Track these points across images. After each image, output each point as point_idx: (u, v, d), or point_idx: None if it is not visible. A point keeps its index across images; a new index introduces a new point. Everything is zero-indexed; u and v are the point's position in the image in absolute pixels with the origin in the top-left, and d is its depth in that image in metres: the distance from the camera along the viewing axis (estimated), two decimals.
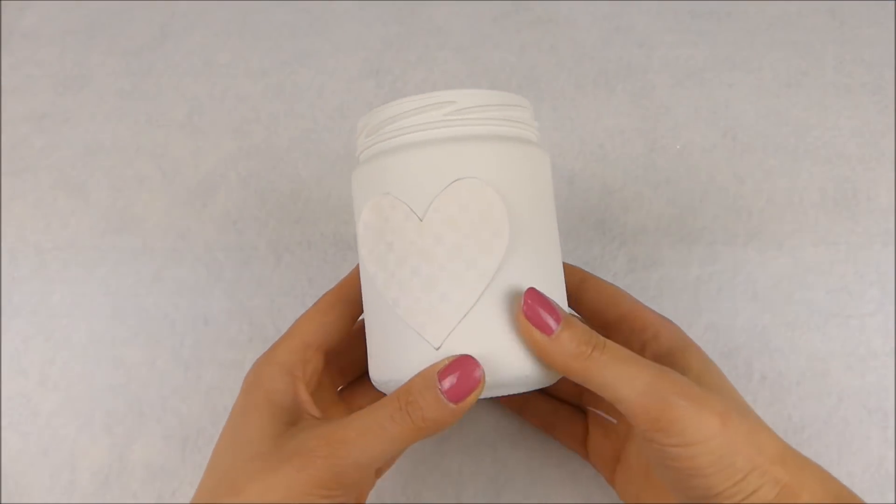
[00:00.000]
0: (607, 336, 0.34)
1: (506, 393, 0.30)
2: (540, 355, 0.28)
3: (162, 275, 0.44)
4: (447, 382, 0.27)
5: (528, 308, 0.27)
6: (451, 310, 0.28)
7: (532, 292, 0.27)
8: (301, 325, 0.32)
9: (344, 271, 0.38)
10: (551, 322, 0.27)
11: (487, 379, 0.27)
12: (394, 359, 0.29)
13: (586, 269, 0.36)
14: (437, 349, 0.28)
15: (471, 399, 0.27)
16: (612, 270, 0.43)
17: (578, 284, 0.34)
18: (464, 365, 0.27)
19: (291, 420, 0.29)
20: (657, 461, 0.28)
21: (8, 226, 0.46)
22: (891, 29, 0.46)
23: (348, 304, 0.33)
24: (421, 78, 0.47)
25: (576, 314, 0.34)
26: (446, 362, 0.27)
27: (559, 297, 0.30)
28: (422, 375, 0.27)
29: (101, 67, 0.49)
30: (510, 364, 0.28)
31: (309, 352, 0.32)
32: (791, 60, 0.46)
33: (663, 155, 0.45)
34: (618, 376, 0.27)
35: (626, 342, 0.32)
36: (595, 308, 0.34)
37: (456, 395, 0.27)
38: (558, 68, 0.47)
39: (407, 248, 0.28)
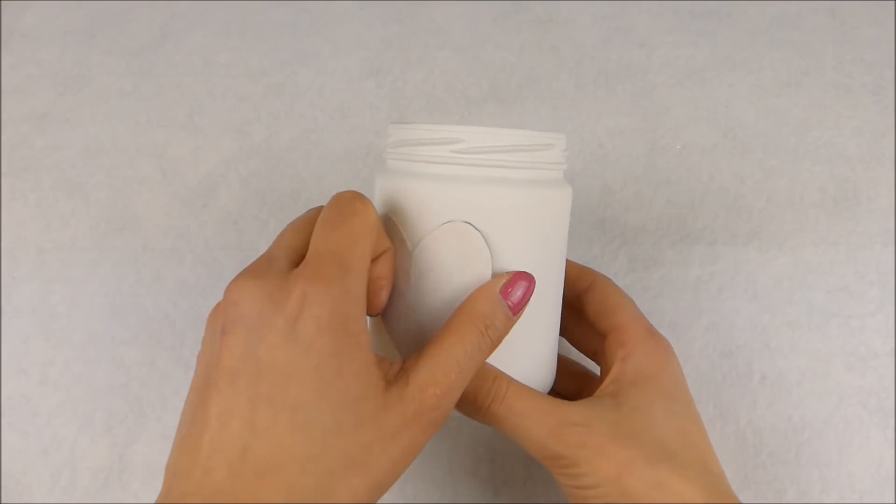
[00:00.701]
0: (602, 344, 0.34)
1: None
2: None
3: (162, 275, 0.44)
4: (513, 296, 0.28)
5: None
6: (425, 339, 0.28)
7: None
8: (360, 249, 0.27)
9: None
10: None
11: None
12: None
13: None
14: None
15: (525, 309, 0.29)
16: (612, 270, 0.43)
17: (586, 289, 0.34)
18: (521, 277, 0.28)
19: (378, 364, 0.26)
20: (561, 487, 0.30)
21: (8, 226, 0.46)
22: (891, 29, 0.46)
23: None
24: (421, 78, 0.47)
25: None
26: (505, 278, 0.28)
27: (553, 330, 0.32)
28: (488, 297, 0.28)
29: (101, 67, 0.49)
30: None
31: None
32: (791, 60, 0.46)
33: (663, 155, 0.45)
34: (518, 427, 0.29)
35: (609, 354, 0.33)
36: (595, 316, 0.34)
37: (518, 307, 0.28)
38: (558, 68, 0.47)
39: (402, 271, 0.30)
